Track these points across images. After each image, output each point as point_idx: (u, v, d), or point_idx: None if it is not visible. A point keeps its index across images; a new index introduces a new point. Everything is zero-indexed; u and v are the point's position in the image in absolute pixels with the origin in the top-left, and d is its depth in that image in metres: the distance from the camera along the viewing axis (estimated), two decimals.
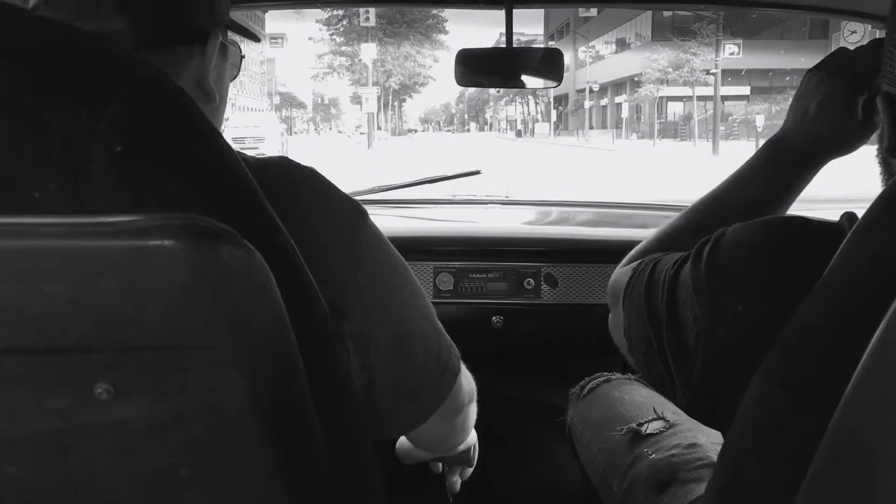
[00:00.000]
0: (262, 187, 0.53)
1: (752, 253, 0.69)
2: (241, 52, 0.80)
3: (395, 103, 59.69)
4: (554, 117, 54.93)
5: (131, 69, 0.49)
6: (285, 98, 73.32)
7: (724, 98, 37.23)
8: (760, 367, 0.62)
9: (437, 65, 45.89)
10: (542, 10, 52.66)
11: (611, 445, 1.15)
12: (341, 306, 0.63)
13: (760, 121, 18.83)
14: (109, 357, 0.44)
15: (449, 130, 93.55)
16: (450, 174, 2.30)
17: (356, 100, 63.15)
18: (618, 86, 45.70)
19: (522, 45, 1.96)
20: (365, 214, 0.69)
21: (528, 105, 59.34)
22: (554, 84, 1.52)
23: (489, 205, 2.29)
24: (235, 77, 0.81)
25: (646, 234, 1.82)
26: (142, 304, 0.43)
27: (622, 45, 45.00)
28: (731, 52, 23.53)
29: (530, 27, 55.44)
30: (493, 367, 1.15)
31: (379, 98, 56.07)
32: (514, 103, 61.20)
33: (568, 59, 54.00)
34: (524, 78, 1.52)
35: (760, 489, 0.61)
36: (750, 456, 0.63)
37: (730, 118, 33.59)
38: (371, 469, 0.63)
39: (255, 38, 0.90)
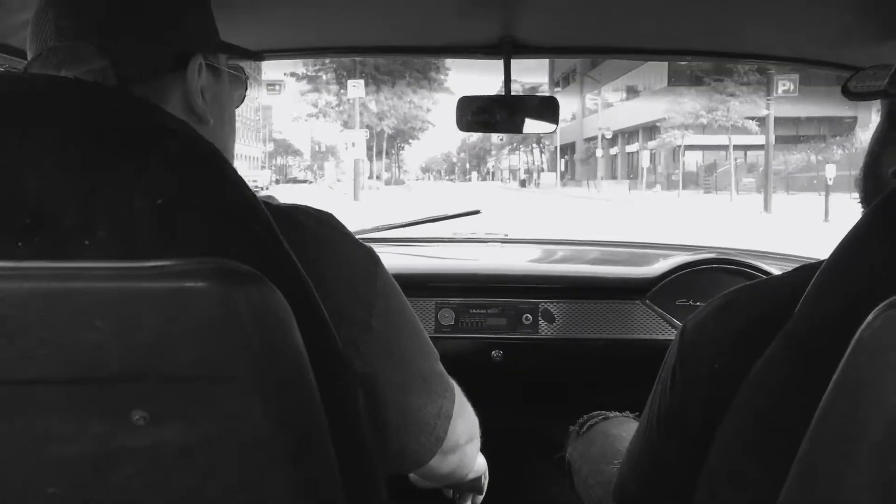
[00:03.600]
0: (283, 232, 0.58)
1: (714, 322, 0.76)
2: (244, 75, 0.83)
3: (392, 150, 56.80)
4: (561, 166, 52.12)
5: (166, 128, 0.55)
6: (280, 145, 70.73)
7: (750, 147, 34.33)
8: (735, 399, 0.66)
9: (436, 108, 42.53)
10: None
11: (607, 478, 1.18)
12: (355, 344, 0.68)
13: (832, 171, 15.15)
14: (146, 386, 0.49)
15: (450, 179, 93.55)
16: (451, 214, 2.30)
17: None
18: (629, 134, 42.84)
19: (520, 93, 1.57)
20: (378, 261, 0.74)
21: (532, 154, 56.16)
22: (550, 129, 1.56)
23: (489, 243, 2.37)
24: (241, 102, 0.84)
25: (641, 272, 1.90)
26: (177, 338, 0.48)
27: (632, 91, 42.42)
28: (786, 90, 18.72)
29: (532, 76, 52.56)
30: (493, 400, 1.18)
31: (372, 146, 53.16)
32: (517, 152, 58.01)
33: (575, 106, 51.38)
34: (522, 123, 1.55)
35: None
36: (725, 480, 0.67)
37: (760, 169, 30.50)
38: (380, 494, 0.68)
39: (248, 56, 0.89)
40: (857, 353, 0.50)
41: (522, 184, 53.14)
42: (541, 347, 1.80)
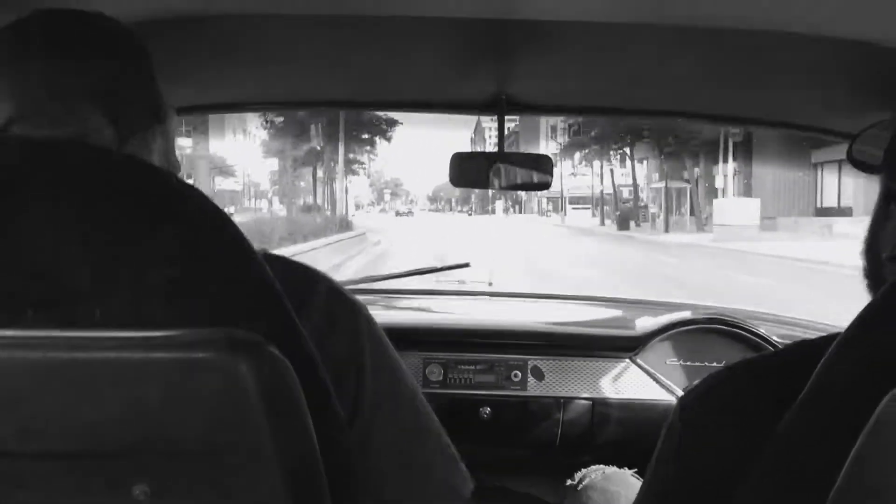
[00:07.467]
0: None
1: (714, 401, 0.74)
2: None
3: (326, 164, 31.42)
4: (664, 197, 26.83)
5: (182, 195, 0.56)
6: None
7: None
8: (744, 482, 0.65)
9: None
10: None
11: None
12: (353, 395, 0.70)
13: None
14: (149, 460, 0.49)
15: (464, 211, 74.58)
16: (439, 266, 2.32)
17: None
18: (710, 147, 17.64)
19: (513, 151, 1.64)
20: (366, 311, 0.77)
21: (625, 168, 29.80)
22: (544, 188, 1.57)
23: (476, 296, 2.35)
24: None
25: (630, 330, 1.88)
26: (182, 410, 0.48)
27: None
28: None
29: None
30: (483, 459, 1.24)
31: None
32: (591, 166, 32.09)
33: None
34: (515, 179, 1.58)
35: None
36: None
37: None
38: None
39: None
40: (874, 433, 0.50)
41: (623, 224, 27.54)
42: (530, 405, 1.79)
